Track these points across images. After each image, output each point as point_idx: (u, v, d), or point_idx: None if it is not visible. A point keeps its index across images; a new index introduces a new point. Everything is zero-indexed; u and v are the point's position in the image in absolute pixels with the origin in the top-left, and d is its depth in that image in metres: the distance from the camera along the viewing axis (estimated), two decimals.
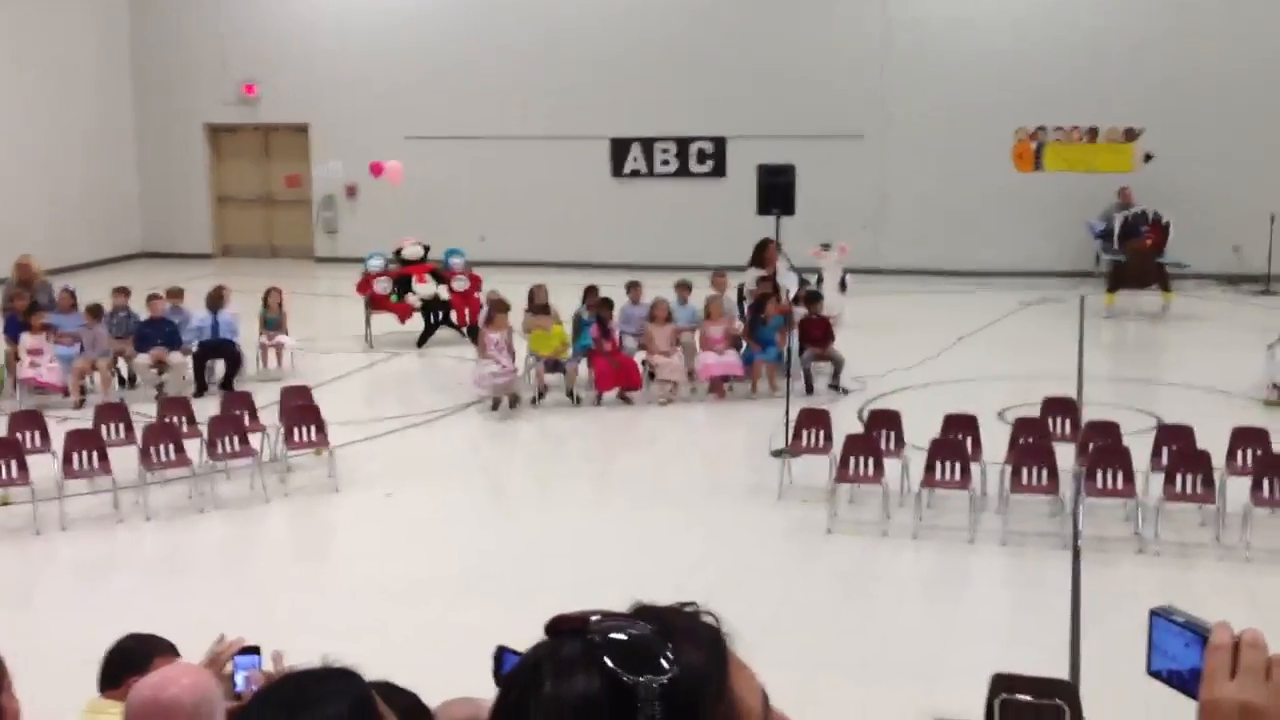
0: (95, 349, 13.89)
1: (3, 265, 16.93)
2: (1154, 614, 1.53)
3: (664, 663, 1.30)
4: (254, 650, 3.46)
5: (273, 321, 15.04)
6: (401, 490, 10.90)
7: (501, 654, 1.50)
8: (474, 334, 14.17)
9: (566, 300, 14.86)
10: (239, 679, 3.38)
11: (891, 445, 10.30)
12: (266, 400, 12.26)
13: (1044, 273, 20.07)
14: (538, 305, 14.12)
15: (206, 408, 11.93)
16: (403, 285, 16.39)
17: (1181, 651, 1.48)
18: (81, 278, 19.10)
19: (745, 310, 14.57)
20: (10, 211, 20.88)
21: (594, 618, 1.35)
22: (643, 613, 1.38)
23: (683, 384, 13.69)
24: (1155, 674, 1.52)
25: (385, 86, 22.57)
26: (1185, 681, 1.48)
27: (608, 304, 14.12)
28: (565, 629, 1.35)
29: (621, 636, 1.32)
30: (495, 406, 13.16)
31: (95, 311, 14.21)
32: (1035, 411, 10.89)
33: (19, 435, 10.69)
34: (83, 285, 16.19)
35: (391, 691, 2.24)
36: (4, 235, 19.43)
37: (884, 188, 21.03)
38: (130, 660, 3.99)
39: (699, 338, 14.01)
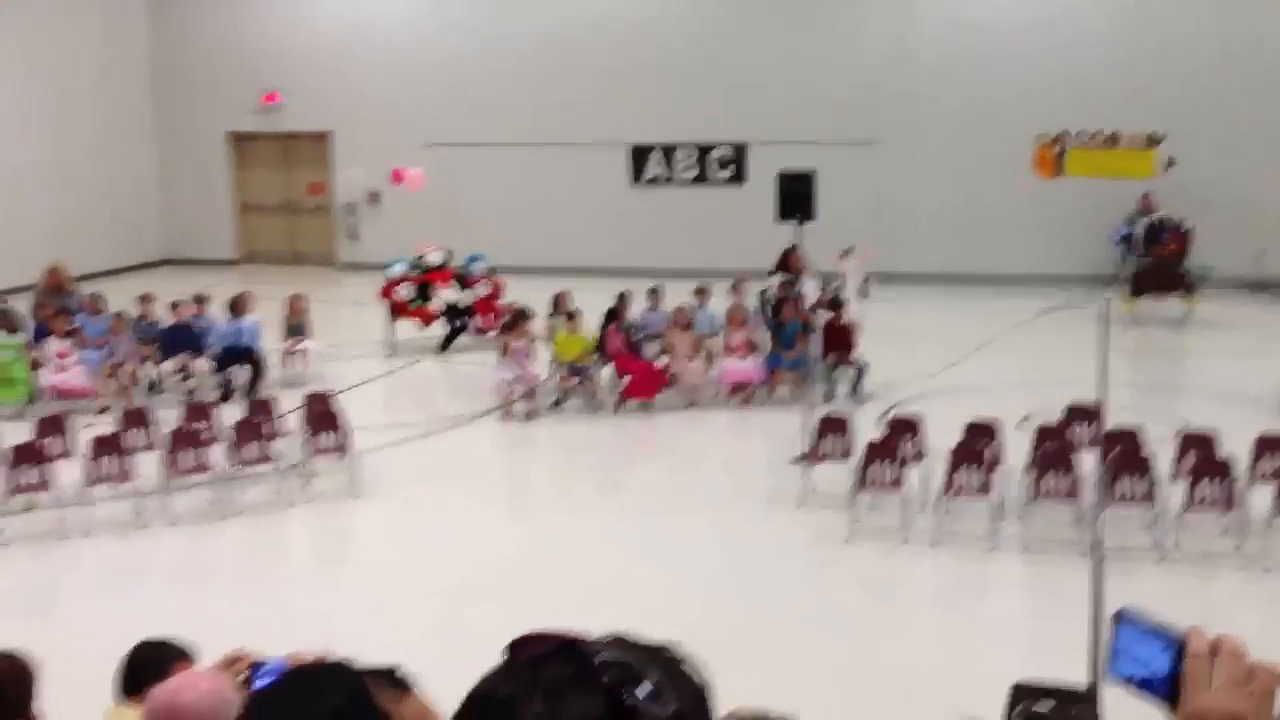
0: (121, 353, 13.98)
1: (28, 273, 17.08)
2: (1119, 617, 1.49)
3: (661, 687, 1.28)
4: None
5: (296, 327, 15.10)
6: (422, 496, 10.94)
7: None
8: (508, 325, 14.16)
9: (587, 307, 14.87)
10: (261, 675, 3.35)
11: (912, 452, 10.27)
12: (289, 406, 12.33)
13: (1065, 278, 19.97)
14: (566, 311, 14.14)
15: (229, 414, 12.01)
16: (424, 291, 16.43)
17: (1156, 656, 1.46)
18: (105, 284, 19.20)
19: (768, 315, 14.54)
20: (34, 219, 21.03)
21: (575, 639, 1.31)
22: (620, 643, 1.36)
23: (704, 390, 13.70)
24: (1123, 678, 1.48)
25: (406, 94, 22.66)
26: (1156, 687, 1.45)
27: (616, 309, 14.20)
28: (543, 649, 1.31)
29: (616, 658, 1.29)
30: (513, 414, 13.18)
31: (120, 316, 14.32)
32: (1056, 418, 10.84)
33: (44, 441, 10.78)
34: (107, 292, 16.29)
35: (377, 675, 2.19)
36: (28, 243, 19.60)
37: (904, 193, 20.97)
38: (148, 667, 4.02)
39: (720, 344, 14.02)
